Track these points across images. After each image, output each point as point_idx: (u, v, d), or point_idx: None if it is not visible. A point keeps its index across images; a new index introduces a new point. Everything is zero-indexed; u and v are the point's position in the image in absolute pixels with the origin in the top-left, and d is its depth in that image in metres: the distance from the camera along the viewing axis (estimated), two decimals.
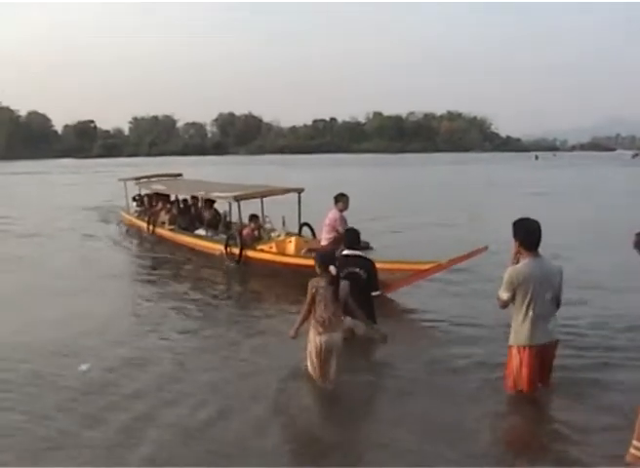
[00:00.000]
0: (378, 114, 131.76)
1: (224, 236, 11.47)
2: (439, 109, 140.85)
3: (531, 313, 4.63)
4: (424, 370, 5.82)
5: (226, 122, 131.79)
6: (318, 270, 5.26)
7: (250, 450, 4.34)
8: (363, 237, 9.00)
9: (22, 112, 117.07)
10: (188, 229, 13.02)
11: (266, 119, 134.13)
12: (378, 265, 6.93)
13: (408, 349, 6.46)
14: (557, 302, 4.78)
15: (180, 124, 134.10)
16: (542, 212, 15.46)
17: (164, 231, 13.73)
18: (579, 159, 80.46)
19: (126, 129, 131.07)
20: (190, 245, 12.46)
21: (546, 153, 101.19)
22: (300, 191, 11.39)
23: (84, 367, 5.88)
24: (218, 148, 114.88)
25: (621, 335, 6.68)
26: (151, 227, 14.18)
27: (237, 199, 11.01)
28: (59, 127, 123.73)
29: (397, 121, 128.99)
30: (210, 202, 13.17)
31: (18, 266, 11.43)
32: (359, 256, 6.58)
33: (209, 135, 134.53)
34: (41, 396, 5.28)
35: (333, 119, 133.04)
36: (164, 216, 14.18)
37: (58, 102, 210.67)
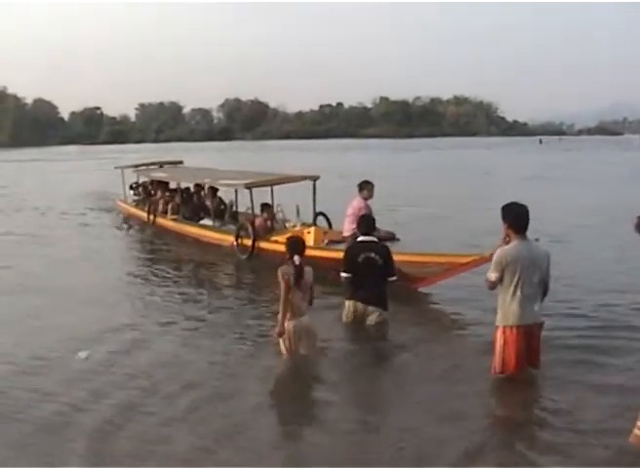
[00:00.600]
0: (384, 99, 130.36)
1: (233, 226, 10.73)
2: (445, 94, 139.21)
3: (519, 293, 4.67)
4: (426, 353, 5.83)
5: (233, 108, 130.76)
6: (288, 256, 5.37)
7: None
8: (389, 227, 8.58)
9: (29, 100, 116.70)
10: (192, 219, 12.23)
11: (273, 104, 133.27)
12: (412, 258, 7.35)
13: (412, 334, 6.48)
14: (545, 287, 4.84)
15: (186, 110, 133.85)
16: (543, 196, 15.96)
17: (166, 221, 12.93)
18: (585, 143, 78.76)
19: (132, 115, 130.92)
20: (196, 235, 11.70)
21: (552, 137, 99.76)
22: (315, 179, 10.62)
23: (83, 354, 5.79)
24: (224, 134, 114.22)
25: (616, 318, 6.60)
26: (152, 217, 13.40)
27: (249, 187, 10.24)
28: (65, 114, 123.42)
29: (404, 106, 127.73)
30: (213, 190, 12.35)
31: (14, 259, 10.76)
32: (374, 242, 6.66)
33: (215, 120, 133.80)
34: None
35: (339, 104, 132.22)
36: (163, 206, 13.37)
37: (64, 89, 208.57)
